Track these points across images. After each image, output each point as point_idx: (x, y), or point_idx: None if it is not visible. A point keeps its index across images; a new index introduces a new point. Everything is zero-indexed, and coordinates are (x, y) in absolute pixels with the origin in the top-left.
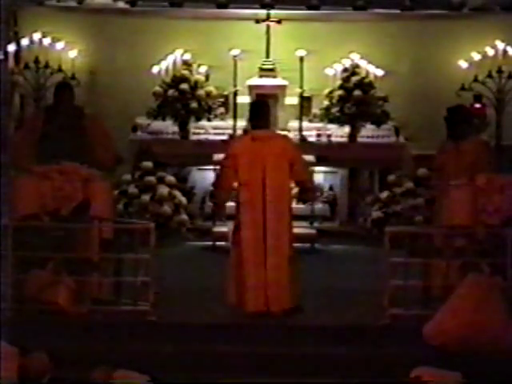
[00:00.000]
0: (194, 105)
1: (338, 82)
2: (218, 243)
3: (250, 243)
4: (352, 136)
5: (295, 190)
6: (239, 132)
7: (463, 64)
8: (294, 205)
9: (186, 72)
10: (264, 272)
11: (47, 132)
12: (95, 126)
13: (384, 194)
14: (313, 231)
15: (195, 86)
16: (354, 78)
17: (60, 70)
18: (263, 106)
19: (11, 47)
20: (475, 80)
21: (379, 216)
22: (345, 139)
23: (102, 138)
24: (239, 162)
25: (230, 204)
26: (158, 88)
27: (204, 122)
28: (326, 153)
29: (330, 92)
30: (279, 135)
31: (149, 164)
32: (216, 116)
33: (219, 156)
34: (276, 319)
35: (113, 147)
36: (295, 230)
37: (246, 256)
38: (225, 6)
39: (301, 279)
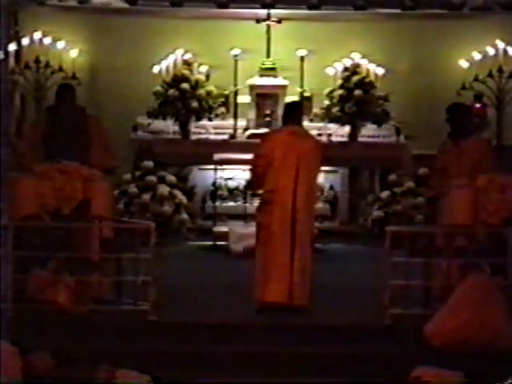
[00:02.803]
0: (195, 104)
1: (339, 82)
2: (218, 243)
3: (282, 239)
4: (352, 135)
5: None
6: (240, 131)
7: (464, 63)
8: None
9: (186, 71)
10: (290, 269)
11: (49, 132)
12: (97, 127)
13: (384, 194)
14: (313, 230)
15: (196, 85)
16: (355, 78)
17: (61, 69)
18: (299, 106)
19: (12, 47)
20: (476, 79)
21: (380, 215)
22: (345, 139)
23: (101, 139)
24: (275, 154)
25: (231, 204)
26: (158, 87)
27: (204, 122)
28: (327, 152)
29: (331, 91)
30: (311, 135)
31: (149, 163)
32: (217, 115)
33: (220, 156)
34: (275, 319)
35: (111, 151)
36: None
37: (277, 253)
38: (225, 6)
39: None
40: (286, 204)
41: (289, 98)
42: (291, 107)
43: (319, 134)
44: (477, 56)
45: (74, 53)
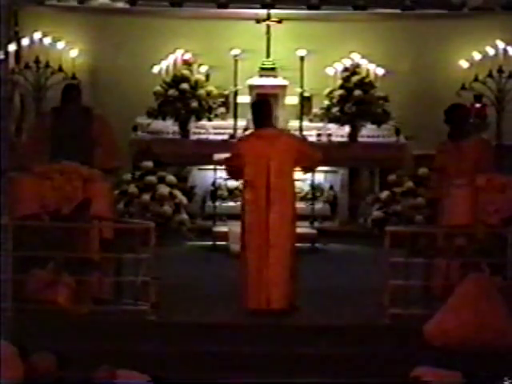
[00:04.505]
0: (195, 104)
1: (339, 82)
2: (218, 243)
3: (253, 243)
4: (352, 136)
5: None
6: (240, 131)
7: (464, 63)
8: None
9: (186, 72)
10: (266, 271)
11: (53, 133)
12: (101, 127)
13: (384, 194)
14: (313, 231)
15: (196, 85)
16: (355, 78)
17: (60, 69)
18: (265, 104)
19: (12, 47)
20: (476, 80)
21: (379, 215)
22: (345, 139)
23: (105, 140)
24: (245, 161)
25: (231, 204)
26: (158, 87)
27: (204, 122)
28: (327, 152)
29: (331, 92)
30: (284, 133)
31: (149, 163)
32: (216, 115)
33: (220, 156)
34: (275, 319)
35: (115, 152)
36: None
37: (250, 255)
38: (225, 6)
39: (299, 279)
40: (260, 209)
41: (289, 98)
42: (257, 108)
43: (319, 134)
44: (477, 56)
45: (73, 53)
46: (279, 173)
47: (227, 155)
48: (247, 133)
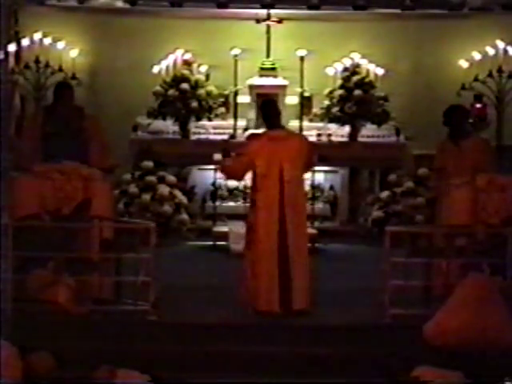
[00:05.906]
0: (195, 104)
1: (339, 82)
2: (218, 243)
3: (268, 244)
4: (352, 135)
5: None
6: (240, 131)
7: (464, 63)
8: None
9: (186, 71)
10: (286, 273)
11: (47, 132)
12: (95, 126)
13: (384, 194)
14: (313, 231)
15: (196, 85)
16: (355, 78)
17: (60, 69)
18: (273, 105)
19: (12, 47)
20: (476, 79)
21: (380, 215)
22: (345, 139)
23: (99, 139)
24: (257, 162)
25: (231, 204)
26: (158, 87)
27: (204, 122)
28: (327, 152)
29: (331, 91)
30: (294, 134)
31: (149, 163)
32: (216, 115)
33: (220, 156)
34: (275, 319)
35: (108, 150)
36: None
37: (264, 257)
38: (225, 6)
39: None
40: (274, 210)
41: (289, 98)
42: (267, 108)
43: (319, 134)
44: (477, 56)
45: (73, 53)
46: (292, 174)
47: (237, 151)
48: (253, 132)
